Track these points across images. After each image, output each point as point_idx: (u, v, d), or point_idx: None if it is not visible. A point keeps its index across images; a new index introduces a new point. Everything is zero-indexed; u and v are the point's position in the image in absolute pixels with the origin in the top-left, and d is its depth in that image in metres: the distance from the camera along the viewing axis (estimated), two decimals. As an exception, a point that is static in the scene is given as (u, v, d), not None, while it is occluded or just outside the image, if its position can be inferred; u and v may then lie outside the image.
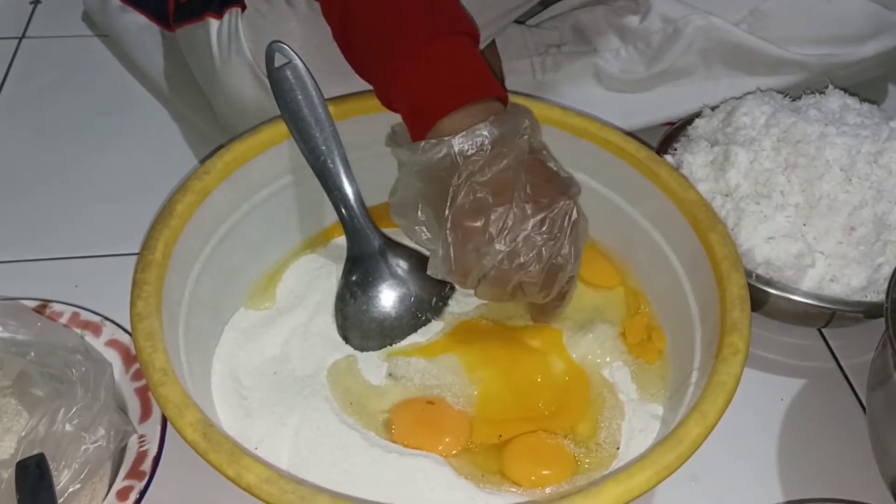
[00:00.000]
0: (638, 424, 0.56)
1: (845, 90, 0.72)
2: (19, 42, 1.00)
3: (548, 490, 0.52)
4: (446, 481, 0.52)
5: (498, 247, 0.52)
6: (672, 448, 0.45)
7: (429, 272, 0.56)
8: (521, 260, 0.52)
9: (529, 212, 0.52)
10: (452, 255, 0.52)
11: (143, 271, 0.52)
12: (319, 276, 0.65)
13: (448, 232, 0.52)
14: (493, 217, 0.51)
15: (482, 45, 0.79)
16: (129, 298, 0.51)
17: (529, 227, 0.52)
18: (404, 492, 0.51)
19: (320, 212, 0.66)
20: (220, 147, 0.61)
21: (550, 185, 0.53)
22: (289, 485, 0.42)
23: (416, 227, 0.55)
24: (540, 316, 0.60)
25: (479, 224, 0.51)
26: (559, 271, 0.53)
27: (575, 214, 0.54)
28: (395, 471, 0.52)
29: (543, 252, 0.52)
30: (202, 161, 0.59)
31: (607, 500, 0.42)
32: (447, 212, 0.52)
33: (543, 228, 0.52)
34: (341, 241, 0.64)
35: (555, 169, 0.55)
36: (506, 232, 0.51)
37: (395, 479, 0.51)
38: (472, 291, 0.56)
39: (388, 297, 0.61)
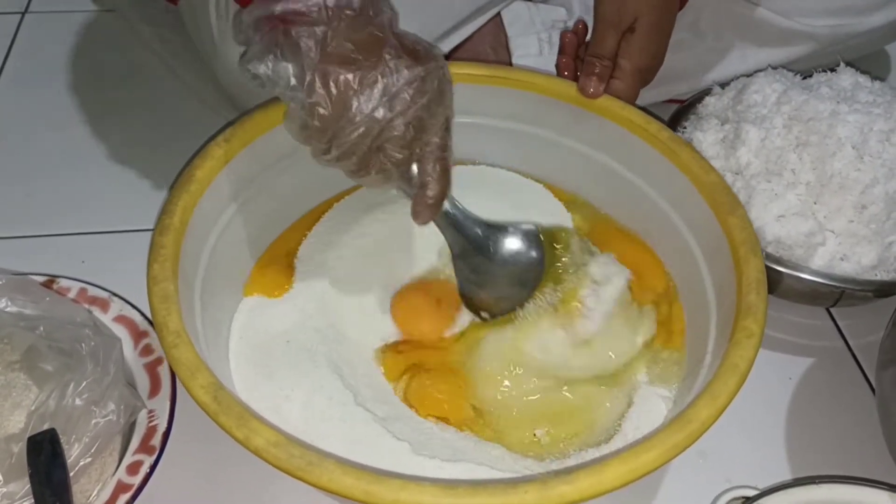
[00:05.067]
0: (646, 405, 0.56)
1: (856, 68, 0.72)
2: (22, 17, 1.00)
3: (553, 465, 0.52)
4: (453, 453, 0.52)
5: (366, 100, 0.48)
6: (681, 428, 0.45)
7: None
8: (388, 114, 0.49)
9: (402, 67, 0.49)
10: (320, 104, 0.48)
11: (161, 235, 0.52)
12: (335, 247, 0.64)
13: (314, 80, 0.48)
14: (365, 68, 0.48)
15: (487, 20, 0.79)
16: (146, 261, 0.51)
17: (401, 83, 0.49)
18: (411, 463, 0.51)
19: (339, 182, 0.66)
20: (245, 114, 0.60)
21: (420, 48, 0.51)
22: (296, 449, 0.43)
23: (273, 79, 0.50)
24: (415, 208, 0.55)
25: (350, 75, 0.48)
26: (423, 132, 0.51)
27: (447, 77, 0.52)
28: (404, 443, 0.52)
29: (412, 108, 0.49)
30: (221, 130, 0.59)
31: (612, 478, 0.42)
32: (313, 59, 0.48)
33: (414, 85, 0.49)
34: (354, 210, 0.65)
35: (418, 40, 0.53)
36: (377, 84, 0.48)
37: (404, 450, 0.51)
38: None
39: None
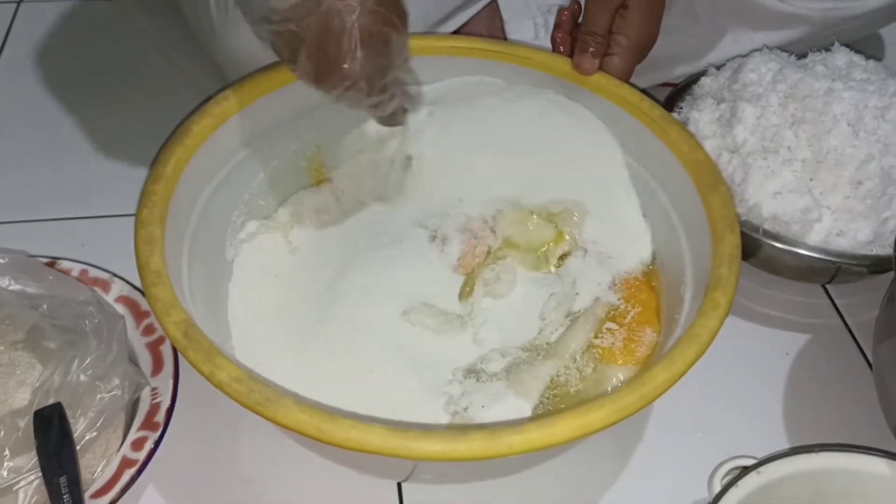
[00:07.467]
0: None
1: (850, 47, 0.72)
2: (18, 6, 1.00)
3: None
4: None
5: None
6: (634, 390, 0.45)
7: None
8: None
9: None
10: None
11: (153, 183, 0.53)
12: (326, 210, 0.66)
13: None
14: None
15: (483, 6, 0.79)
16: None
17: None
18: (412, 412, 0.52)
19: (336, 150, 0.67)
20: (245, 76, 0.61)
21: None
22: (256, 385, 0.44)
23: None
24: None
25: None
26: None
27: None
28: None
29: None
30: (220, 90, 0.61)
31: (562, 431, 0.43)
32: None
33: None
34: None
35: None
36: None
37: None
38: None
39: None
